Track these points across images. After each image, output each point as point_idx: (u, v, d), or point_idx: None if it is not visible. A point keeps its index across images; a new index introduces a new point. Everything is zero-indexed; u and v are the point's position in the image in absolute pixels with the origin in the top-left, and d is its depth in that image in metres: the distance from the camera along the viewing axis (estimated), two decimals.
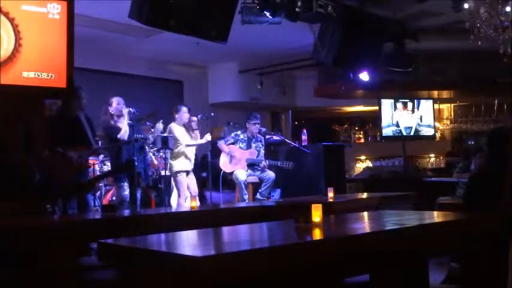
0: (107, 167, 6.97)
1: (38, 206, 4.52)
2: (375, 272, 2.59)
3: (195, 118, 7.28)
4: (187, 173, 7.07)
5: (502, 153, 3.36)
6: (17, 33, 4.23)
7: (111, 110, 6.23)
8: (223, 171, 7.43)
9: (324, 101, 11.30)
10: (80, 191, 5.47)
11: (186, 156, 7.02)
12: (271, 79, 10.58)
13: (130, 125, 6.17)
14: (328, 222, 2.92)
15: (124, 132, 6.12)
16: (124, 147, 6.18)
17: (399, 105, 9.55)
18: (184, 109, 7.10)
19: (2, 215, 3.93)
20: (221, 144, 7.50)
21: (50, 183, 5.16)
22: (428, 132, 9.88)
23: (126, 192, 6.21)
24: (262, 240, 2.59)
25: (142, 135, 6.36)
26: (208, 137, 7.05)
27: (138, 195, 6.36)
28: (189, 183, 7.09)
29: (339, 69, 8.38)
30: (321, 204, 2.63)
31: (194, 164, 7.22)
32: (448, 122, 11.95)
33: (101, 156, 6.98)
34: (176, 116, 7.08)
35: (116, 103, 6.25)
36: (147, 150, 6.84)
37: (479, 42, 5.90)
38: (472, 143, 10.98)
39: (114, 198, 6.55)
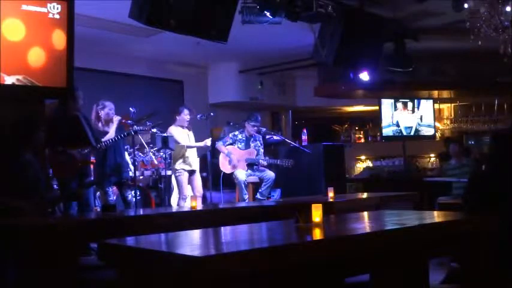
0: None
1: (45, 207, 4.54)
2: (375, 272, 2.59)
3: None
4: (191, 173, 7.06)
5: (502, 155, 3.37)
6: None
7: (102, 114, 6.21)
8: (223, 172, 7.44)
9: (324, 101, 11.28)
10: (77, 196, 5.48)
11: (187, 157, 7.02)
12: (271, 79, 10.58)
13: (118, 132, 6.18)
14: (328, 222, 2.92)
15: (108, 138, 6.10)
16: (110, 151, 6.17)
17: (399, 105, 9.55)
18: (186, 111, 7.10)
19: (12, 212, 3.93)
20: (219, 145, 7.50)
21: (51, 184, 5.17)
22: (429, 132, 9.88)
23: (111, 197, 6.23)
24: (262, 240, 2.59)
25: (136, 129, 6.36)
26: (208, 142, 7.06)
27: (130, 197, 6.37)
28: (194, 183, 7.08)
29: (339, 69, 8.38)
30: (321, 204, 2.62)
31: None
32: (448, 122, 11.94)
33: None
34: (177, 117, 7.08)
35: (108, 108, 6.23)
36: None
37: (479, 42, 5.90)
38: (473, 142, 10.99)
39: (114, 197, 6.55)
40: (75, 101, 5.53)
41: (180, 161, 6.99)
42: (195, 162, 7.12)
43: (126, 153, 6.63)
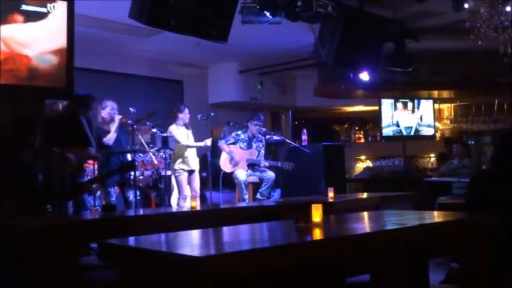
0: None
1: (40, 207, 4.54)
2: (375, 272, 2.58)
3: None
4: (190, 172, 7.06)
5: (503, 154, 3.37)
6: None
7: (103, 114, 6.22)
8: (223, 171, 7.43)
9: (324, 101, 11.30)
10: (77, 193, 5.48)
11: (187, 157, 7.02)
12: (271, 79, 10.59)
13: (120, 132, 6.19)
14: (328, 222, 2.92)
15: (109, 138, 6.12)
16: (112, 155, 6.18)
17: (399, 105, 9.56)
18: (187, 110, 7.11)
19: (3, 214, 3.94)
20: (222, 144, 7.51)
21: (51, 183, 5.17)
22: (429, 132, 9.89)
23: (114, 198, 6.23)
24: (262, 240, 2.58)
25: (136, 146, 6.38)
26: (208, 142, 7.06)
27: (132, 197, 6.37)
28: (192, 183, 7.09)
29: (339, 69, 8.38)
30: (321, 204, 2.62)
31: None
32: (448, 122, 11.95)
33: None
34: (179, 116, 7.07)
35: (110, 108, 6.23)
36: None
37: (479, 42, 5.90)
38: (473, 142, 10.99)
39: (115, 197, 6.54)
40: (86, 108, 5.57)
41: (179, 160, 6.99)
42: (194, 162, 7.12)
43: (128, 155, 6.63)
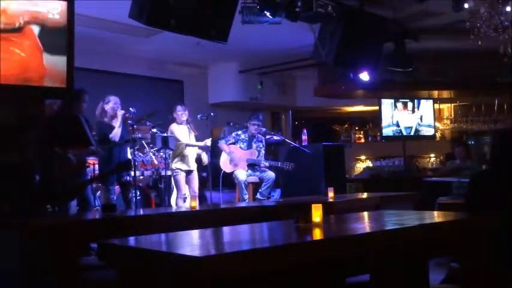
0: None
1: (39, 207, 4.53)
2: (375, 272, 2.58)
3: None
4: (189, 172, 7.07)
5: (504, 154, 3.36)
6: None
7: (107, 108, 6.25)
8: (223, 171, 7.43)
9: (324, 101, 11.30)
10: (78, 191, 5.49)
11: (186, 156, 7.03)
12: (271, 79, 10.59)
13: (123, 128, 6.21)
14: (328, 222, 2.92)
15: (115, 133, 6.14)
16: (115, 148, 6.19)
17: (399, 105, 9.56)
18: (178, 108, 7.11)
19: (3, 214, 3.94)
20: (222, 144, 7.52)
21: (51, 183, 5.17)
22: (429, 132, 9.89)
23: (114, 196, 6.23)
24: (262, 240, 2.58)
25: (137, 136, 6.40)
26: (208, 142, 7.06)
27: (131, 196, 6.37)
28: (190, 183, 7.09)
29: (339, 69, 8.38)
30: (321, 204, 2.62)
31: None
32: (448, 122, 11.95)
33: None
34: (174, 115, 7.10)
35: (113, 103, 6.27)
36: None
37: (479, 42, 5.90)
38: (473, 142, 10.99)
39: (115, 197, 6.54)
40: (80, 102, 5.57)
41: (177, 159, 7.00)
42: (193, 162, 7.11)
43: (128, 152, 6.65)
